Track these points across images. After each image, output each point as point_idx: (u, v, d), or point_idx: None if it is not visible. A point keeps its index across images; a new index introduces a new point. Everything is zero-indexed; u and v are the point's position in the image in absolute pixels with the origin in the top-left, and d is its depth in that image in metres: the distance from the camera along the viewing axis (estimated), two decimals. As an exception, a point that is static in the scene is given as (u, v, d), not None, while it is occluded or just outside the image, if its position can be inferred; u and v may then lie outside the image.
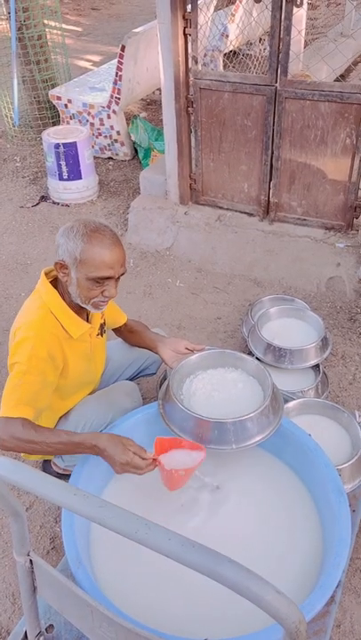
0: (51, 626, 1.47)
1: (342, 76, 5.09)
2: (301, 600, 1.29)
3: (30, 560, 1.10)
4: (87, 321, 1.83)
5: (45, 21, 4.87)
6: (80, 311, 1.78)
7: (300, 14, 4.72)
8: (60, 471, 2.10)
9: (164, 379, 2.18)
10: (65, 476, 2.04)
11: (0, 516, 2.07)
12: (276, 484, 1.72)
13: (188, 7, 2.92)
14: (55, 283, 1.75)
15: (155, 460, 1.53)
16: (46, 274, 1.77)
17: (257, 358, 2.45)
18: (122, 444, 1.52)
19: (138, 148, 4.53)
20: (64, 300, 1.73)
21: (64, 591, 1.08)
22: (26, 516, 1.06)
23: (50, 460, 2.13)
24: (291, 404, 2.05)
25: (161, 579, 1.43)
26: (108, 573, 1.47)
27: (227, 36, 4.91)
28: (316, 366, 2.43)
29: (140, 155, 4.49)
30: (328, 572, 1.31)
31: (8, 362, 1.68)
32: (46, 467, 2.15)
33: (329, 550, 1.41)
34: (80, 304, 1.72)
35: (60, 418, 1.91)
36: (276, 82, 2.87)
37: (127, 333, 2.16)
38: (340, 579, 1.49)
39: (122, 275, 1.71)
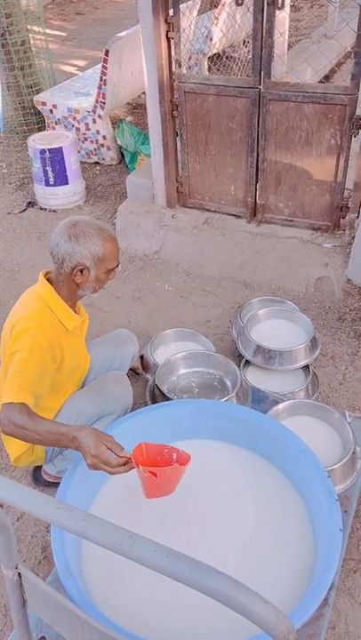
0: (43, 638, 1.45)
1: (326, 78, 5.11)
2: (294, 604, 1.29)
3: (19, 573, 1.09)
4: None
5: (29, 27, 4.86)
6: (72, 306, 1.88)
7: (283, 16, 4.73)
8: (51, 479, 2.08)
9: (154, 385, 2.18)
10: (56, 485, 2.02)
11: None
12: (267, 486, 1.72)
13: (171, 11, 2.92)
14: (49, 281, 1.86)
15: (129, 460, 1.47)
16: (45, 275, 1.88)
17: (246, 360, 2.45)
18: (97, 436, 1.52)
19: (124, 153, 4.52)
20: (59, 294, 1.83)
21: (54, 604, 1.06)
22: (13, 529, 1.04)
23: (40, 468, 2.11)
24: (281, 406, 2.04)
25: (153, 589, 1.41)
26: (99, 584, 1.46)
27: (210, 38, 4.92)
28: (306, 367, 2.43)
29: (127, 159, 4.48)
30: (320, 575, 1.30)
31: (6, 352, 1.74)
32: (37, 475, 2.13)
33: (321, 553, 1.41)
34: (89, 295, 1.89)
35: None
36: (260, 84, 2.88)
37: None
38: (334, 581, 1.49)
39: None
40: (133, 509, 1.64)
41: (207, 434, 1.87)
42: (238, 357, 2.54)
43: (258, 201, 3.23)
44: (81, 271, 1.78)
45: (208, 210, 3.43)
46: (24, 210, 4.09)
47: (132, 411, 1.90)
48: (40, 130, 4.78)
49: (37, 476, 2.12)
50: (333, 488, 1.54)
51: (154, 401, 2.14)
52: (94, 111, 4.35)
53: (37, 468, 2.13)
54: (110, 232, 1.82)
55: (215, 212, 3.41)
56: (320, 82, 3.04)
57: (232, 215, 3.38)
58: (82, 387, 2.06)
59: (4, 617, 1.79)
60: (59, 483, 1.69)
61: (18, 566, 1.08)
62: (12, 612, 1.21)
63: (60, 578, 1.30)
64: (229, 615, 0.71)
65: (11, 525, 1.03)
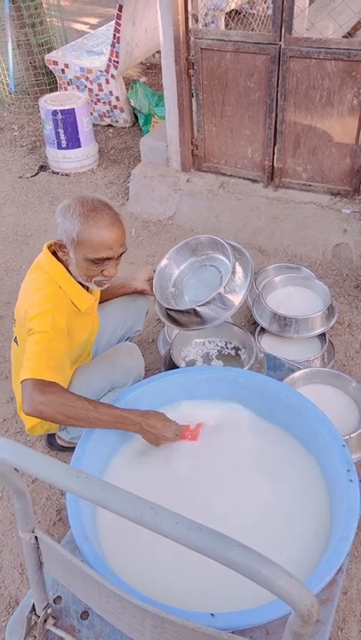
0: (59, 597, 1.47)
1: (350, 34, 4.88)
2: (310, 571, 1.29)
3: (35, 537, 1.09)
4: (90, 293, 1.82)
5: (39, -19, 4.69)
6: (84, 284, 1.77)
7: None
8: (65, 444, 2.09)
9: (170, 355, 2.16)
10: (70, 449, 2.04)
11: (6, 489, 2.07)
12: (283, 454, 1.70)
13: None
14: (58, 256, 1.72)
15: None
16: (48, 247, 1.74)
17: (262, 328, 2.42)
18: (171, 421, 1.66)
19: (138, 114, 4.40)
20: (70, 273, 1.70)
21: (70, 567, 1.07)
22: (29, 494, 1.04)
23: (54, 434, 2.12)
24: (297, 374, 2.02)
25: (168, 552, 1.42)
26: (115, 547, 1.46)
27: (228, -7, 4.72)
28: (322, 335, 2.39)
29: (141, 121, 4.36)
30: (336, 545, 1.30)
31: (20, 332, 1.68)
32: (51, 440, 2.14)
33: (337, 522, 1.40)
34: (82, 282, 1.72)
35: None
36: (281, 40, 2.75)
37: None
38: (348, 549, 1.49)
39: (122, 254, 1.70)
40: (148, 475, 1.64)
41: (223, 401, 1.85)
42: (253, 325, 2.51)
43: (275, 164, 3.14)
44: (61, 247, 1.64)
45: (224, 174, 3.35)
46: (36, 174, 4.02)
47: (147, 377, 1.88)
48: (52, 90, 4.67)
49: (52, 441, 2.14)
50: (350, 457, 1.52)
51: (168, 369, 2.12)
52: (107, 71, 4.23)
53: (51, 434, 2.14)
54: (105, 217, 1.59)
55: (231, 176, 3.33)
56: (344, 37, 2.90)
57: (248, 179, 3.29)
58: (92, 347, 2.03)
59: (20, 575, 1.82)
60: (73, 447, 1.69)
61: (34, 530, 1.09)
62: (29, 573, 1.22)
63: (76, 541, 1.31)
64: (247, 581, 0.70)
65: (27, 490, 1.02)
